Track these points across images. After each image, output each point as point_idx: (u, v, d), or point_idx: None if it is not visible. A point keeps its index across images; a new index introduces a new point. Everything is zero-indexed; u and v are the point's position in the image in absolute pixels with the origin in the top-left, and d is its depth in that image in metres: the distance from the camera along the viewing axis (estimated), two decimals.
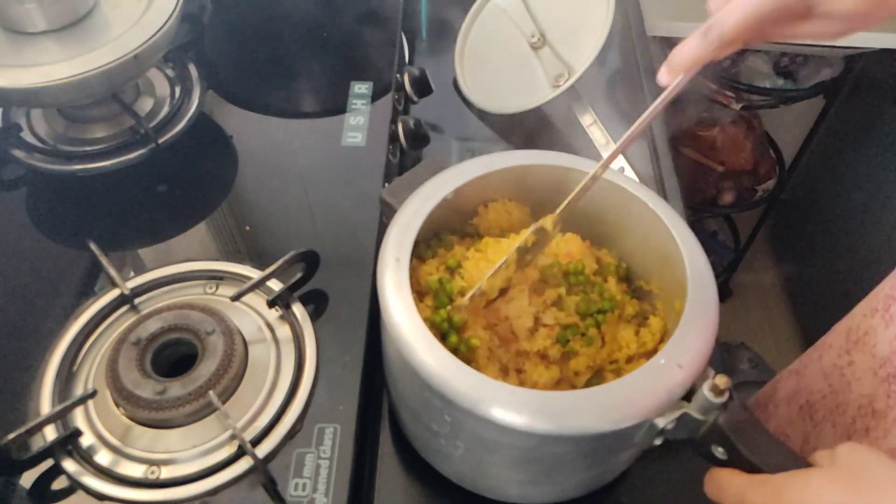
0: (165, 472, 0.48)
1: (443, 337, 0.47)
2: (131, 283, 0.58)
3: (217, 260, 0.60)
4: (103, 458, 0.49)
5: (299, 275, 0.57)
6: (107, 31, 0.65)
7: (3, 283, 0.60)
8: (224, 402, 0.50)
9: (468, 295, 0.48)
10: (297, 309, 0.57)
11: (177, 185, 0.68)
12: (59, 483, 0.48)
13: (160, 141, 0.68)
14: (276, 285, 0.57)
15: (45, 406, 0.51)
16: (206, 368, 0.50)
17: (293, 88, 0.79)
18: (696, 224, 1.60)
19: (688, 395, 0.40)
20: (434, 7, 0.95)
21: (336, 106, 0.74)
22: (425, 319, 0.43)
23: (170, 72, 0.76)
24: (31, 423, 0.48)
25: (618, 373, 0.48)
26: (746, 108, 1.34)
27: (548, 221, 0.48)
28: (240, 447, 0.48)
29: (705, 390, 0.38)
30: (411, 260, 0.45)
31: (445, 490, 0.51)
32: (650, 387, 0.40)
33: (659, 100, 0.43)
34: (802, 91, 1.29)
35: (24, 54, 0.63)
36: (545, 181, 0.52)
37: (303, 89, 0.79)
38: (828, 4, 0.38)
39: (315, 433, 0.50)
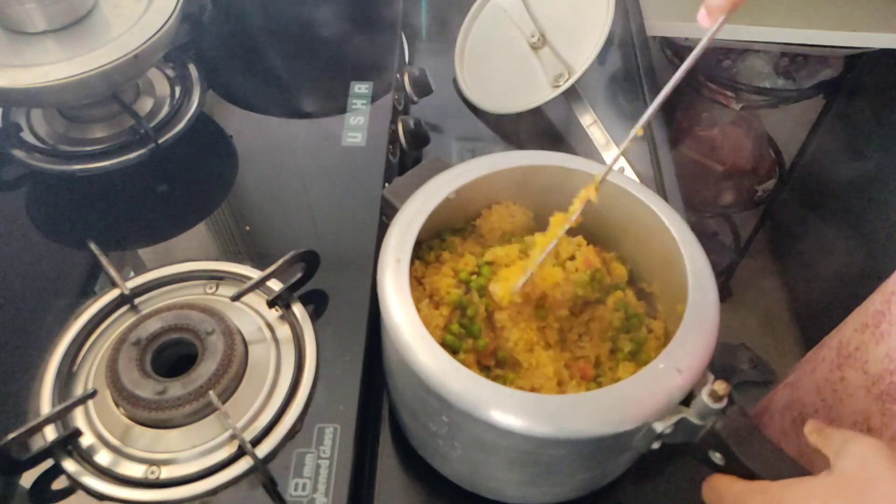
0: (165, 472, 0.48)
1: (452, 348, 0.47)
2: (131, 283, 0.58)
3: (217, 260, 0.60)
4: (103, 458, 0.49)
5: (299, 275, 0.57)
6: (107, 31, 0.65)
7: (3, 283, 0.60)
8: (224, 402, 0.50)
9: (520, 282, 0.47)
10: (297, 309, 0.57)
11: (177, 185, 0.68)
12: (59, 483, 0.48)
13: (160, 141, 0.68)
14: (276, 285, 0.57)
15: (45, 406, 0.51)
16: (206, 368, 0.50)
17: (293, 88, 0.79)
18: (696, 224, 1.60)
19: (686, 400, 0.40)
20: (434, 7, 0.95)
21: (336, 106, 0.74)
22: (435, 327, 0.43)
23: (170, 72, 0.76)
24: (31, 423, 0.47)
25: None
26: (746, 108, 1.33)
27: (591, 192, 0.46)
28: (240, 447, 0.48)
29: (704, 396, 0.38)
30: (415, 262, 0.45)
31: (445, 490, 0.51)
32: (649, 391, 0.39)
33: (699, 47, 0.41)
34: (802, 91, 1.29)
35: (24, 54, 0.63)
36: (548, 182, 0.52)
37: (303, 89, 0.79)
38: None
39: (315, 433, 0.50)
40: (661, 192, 0.74)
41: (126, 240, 0.64)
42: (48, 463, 0.48)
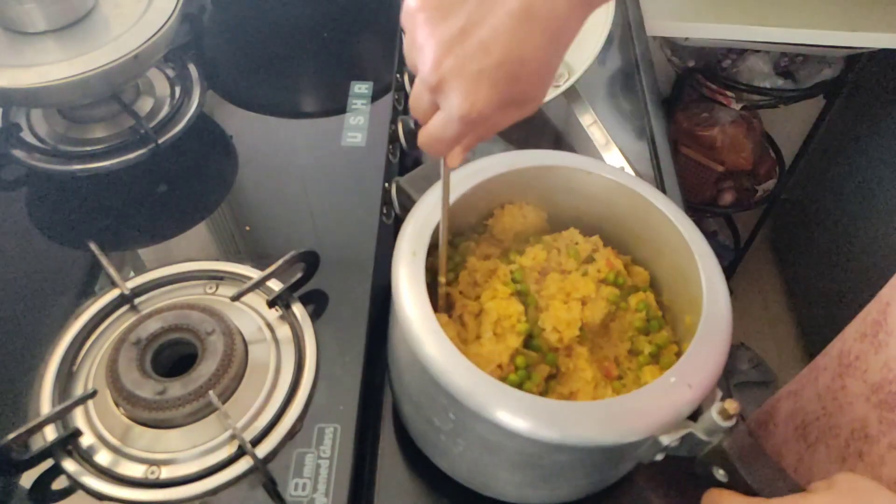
0: (165, 472, 0.48)
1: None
2: (131, 283, 0.58)
3: (217, 260, 0.60)
4: (103, 458, 0.49)
5: (299, 275, 0.57)
6: (107, 31, 0.65)
7: (3, 283, 0.60)
8: (224, 402, 0.50)
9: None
10: (297, 309, 0.57)
11: (177, 185, 0.68)
12: (59, 483, 0.48)
13: (160, 141, 0.68)
14: (276, 285, 0.57)
15: (45, 406, 0.51)
16: (206, 368, 0.50)
17: (293, 88, 0.79)
18: (695, 224, 1.60)
19: (694, 415, 0.40)
20: None
21: (336, 106, 0.74)
22: (495, 365, 0.43)
23: (170, 72, 0.76)
24: (31, 423, 0.48)
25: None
26: (746, 108, 1.34)
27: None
28: (240, 447, 0.48)
29: (713, 413, 0.38)
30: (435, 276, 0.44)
31: (445, 490, 0.51)
32: (658, 404, 0.39)
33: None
34: (802, 91, 1.29)
35: (24, 54, 0.63)
36: (564, 183, 0.52)
37: (303, 89, 0.79)
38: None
39: (315, 433, 0.50)
40: (661, 192, 0.74)
41: (126, 240, 0.64)
42: (48, 463, 0.48)
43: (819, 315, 1.54)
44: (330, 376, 0.53)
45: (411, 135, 0.72)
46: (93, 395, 0.50)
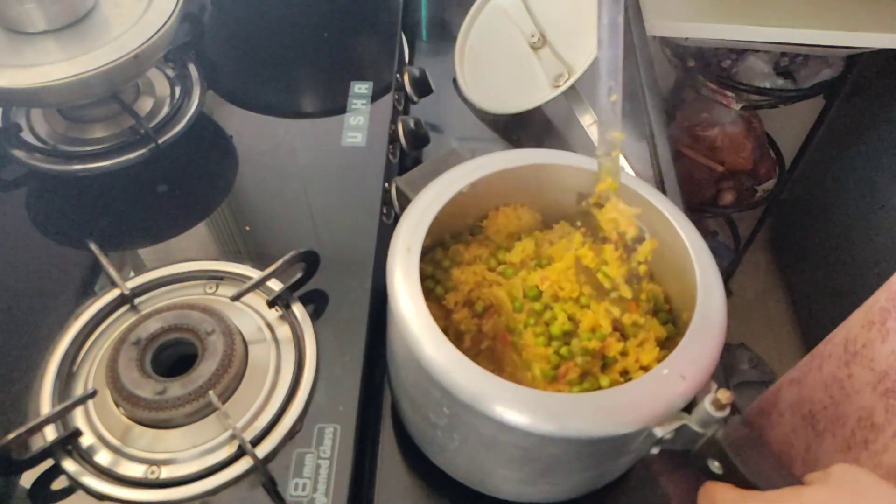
0: (165, 472, 0.48)
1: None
2: (131, 283, 0.58)
3: (217, 260, 0.60)
4: (103, 458, 0.49)
5: (299, 275, 0.57)
6: (107, 31, 0.65)
7: (3, 283, 0.60)
8: (224, 402, 0.50)
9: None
10: (297, 309, 0.57)
11: (177, 185, 0.68)
12: (59, 483, 0.48)
13: (160, 141, 0.68)
14: (276, 285, 0.57)
15: (45, 406, 0.51)
16: (206, 368, 0.50)
17: (293, 88, 0.79)
18: (695, 224, 1.60)
19: (688, 407, 0.40)
20: (434, 7, 0.95)
21: (336, 106, 0.74)
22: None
23: (170, 72, 0.76)
24: (31, 423, 0.47)
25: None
26: (746, 108, 1.34)
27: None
28: (240, 447, 0.48)
29: (707, 404, 0.38)
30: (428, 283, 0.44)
31: (446, 490, 0.51)
32: (651, 395, 0.39)
33: None
34: (802, 91, 1.30)
35: (24, 54, 0.63)
36: (562, 182, 0.52)
37: (303, 89, 0.79)
38: None
39: (315, 433, 0.50)
40: (661, 192, 0.74)
41: (126, 240, 0.64)
42: (48, 463, 0.48)
43: (819, 315, 1.54)
44: (330, 376, 0.53)
45: (411, 135, 0.72)
46: (93, 395, 0.50)
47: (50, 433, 0.49)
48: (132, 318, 0.54)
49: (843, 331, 0.60)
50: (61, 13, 0.64)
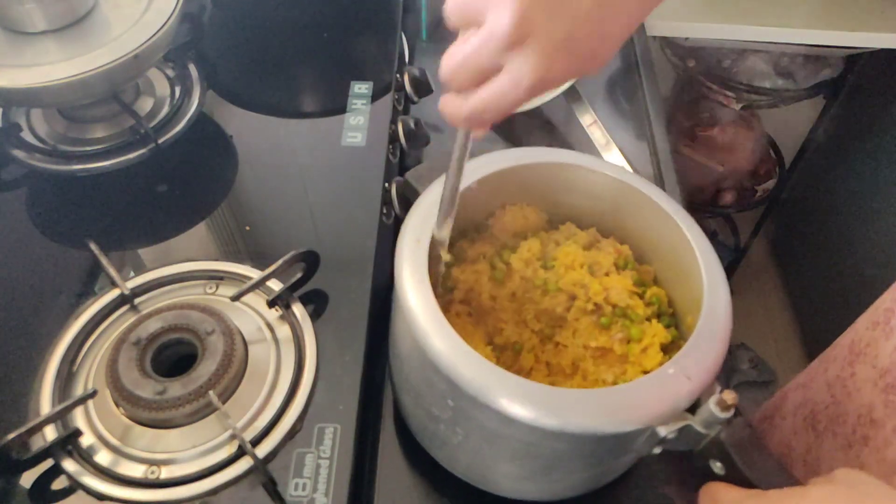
0: (165, 472, 0.48)
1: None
2: (131, 283, 0.58)
3: (217, 260, 0.60)
4: (103, 458, 0.49)
5: (299, 275, 0.57)
6: (107, 31, 0.65)
7: (3, 283, 0.60)
8: (224, 402, 0.50)
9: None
10: (297, 309, 0.57)
11: (177, 185, 0.68)
12: (59, 483, 0.48)
13: (160, 141, 0.68)
14: (276, 285, 0.57)
15: (45, 406, 0.51)
16: (206, 368, 0.50)
17: (293, 88, 0.79)
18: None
19: (692, 408, 0.40)
20: (434, 7, 0.95)
21: (336, 106, 0.74)
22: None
23: (170, 72, 0.76)
24: (31, 423, 0.47)
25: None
26: (746, 108, 1.34)
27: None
28: (240, 447, 0.48)
29: (711, 404, 0.38)
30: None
31: (446, 490, 0.51)
32: (656, 394, 0.39)
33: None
34: (802, 91, 1.29)
35: (24, 54, 0.63)
36: (569, 182, 0.52)
37: (303, 89, 0.79)
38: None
39: (315, 433, 0.50)
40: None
41: (126, 240, 0.64)
42: (48, 463, 0.48)
43: (819, 315, 1.54)
44: (330, 376, 0.53)
45: (411, 135, 0.72)
46: (93, 395, 0.50)
47: (50, 433, 0.49)
48: (132, 318, 0.54)
49: (850, 333, 0.60)
50: (61, 13, 0.64)
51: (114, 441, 0.49)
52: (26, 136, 0.69)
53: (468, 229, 0.55)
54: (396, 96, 0.76)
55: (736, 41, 1.16)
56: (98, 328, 0.56)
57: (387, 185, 0.66)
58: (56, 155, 0.68)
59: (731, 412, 0.38)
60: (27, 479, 0.48)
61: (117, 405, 0.51)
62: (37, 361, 0.53)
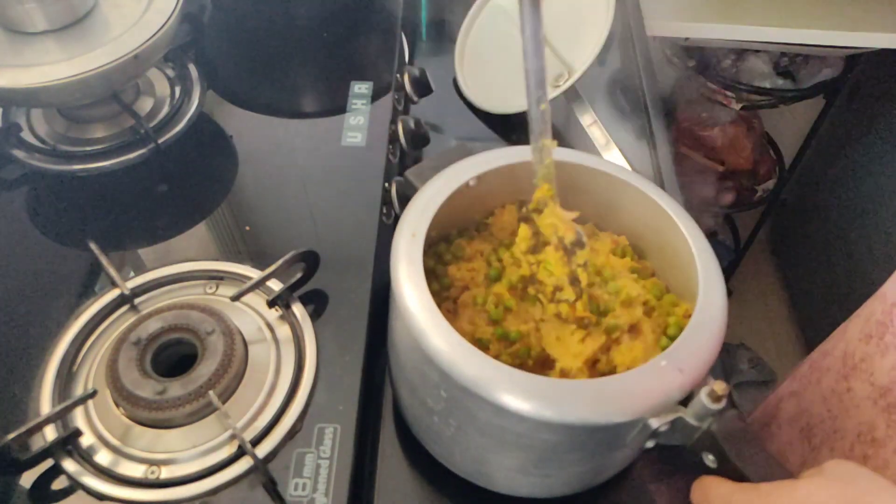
0: (165, 472, 0.48)
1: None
2: (131, 283, 0.58)
3: (217, 260, 0.60)
4: (103, 458, 0.49)
5: (299, 275, 0.57)
6: (107, 31, 0.65)
7: (3, 283, 0.60)
8: (224, 402, 0.50)
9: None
10: (297, 309, 0.57)
11: (177, 185, 0.68)
12: (59, 483, 0.48)
13: (160, 141, 0.68)
14: (276, 285, 0.57)
15: (45, 406, 0.51)
16: (206, 368, 0.50)
17: (293, 88, 0.79)
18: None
19: (685, 401, 0.40)
20: (434, 7, 0.95)
21: (336, 106, 0.74)
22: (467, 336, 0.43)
23: (170, 72, 0.76)
24: (31, 423, 0.47)
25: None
26: (746, 108, 1.34)
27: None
28: (240, 447, 0.48)
29: (703, 396, 0.38)
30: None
31: (446, 490, 0.51)
32: (648, 386, 0.40)
33: None
34: (802, 91, 1.30)
35: (24, 54, 0.63)
36: (569, 181, 0.52)
37: (303, 89, 0.79)
38: None
39: (315, 433, 0.50)
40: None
41: (126, 240, 0.64)
42: (48, 463, 0.48)
43: (819, 315, 1.54)
44: (330, 376, 0.53)
45: (411, 135, 0.72)
46: (93, 395, 0.50)
47: (50, 433, 0.49)
48: (132, 318, 0.54)
49: (841, 343, 0.60)
50: (61, 13, 0.64)
51: (114, 441, 0.49)
52: (26, 136, 0.69)
53: (468, 228, 0.55)
54: (396, 96, 0.76)
55: (736, 41, 1.16)
56: (98, 328, 0.56)
57: (387, 184, 0.66)
58: (56, 155, 0.68)
59: (723, 403, 0.38)
60: (27, 479, 0.48)
61: (117, 405, 0.51)
62: (37, 361, 0.53)
